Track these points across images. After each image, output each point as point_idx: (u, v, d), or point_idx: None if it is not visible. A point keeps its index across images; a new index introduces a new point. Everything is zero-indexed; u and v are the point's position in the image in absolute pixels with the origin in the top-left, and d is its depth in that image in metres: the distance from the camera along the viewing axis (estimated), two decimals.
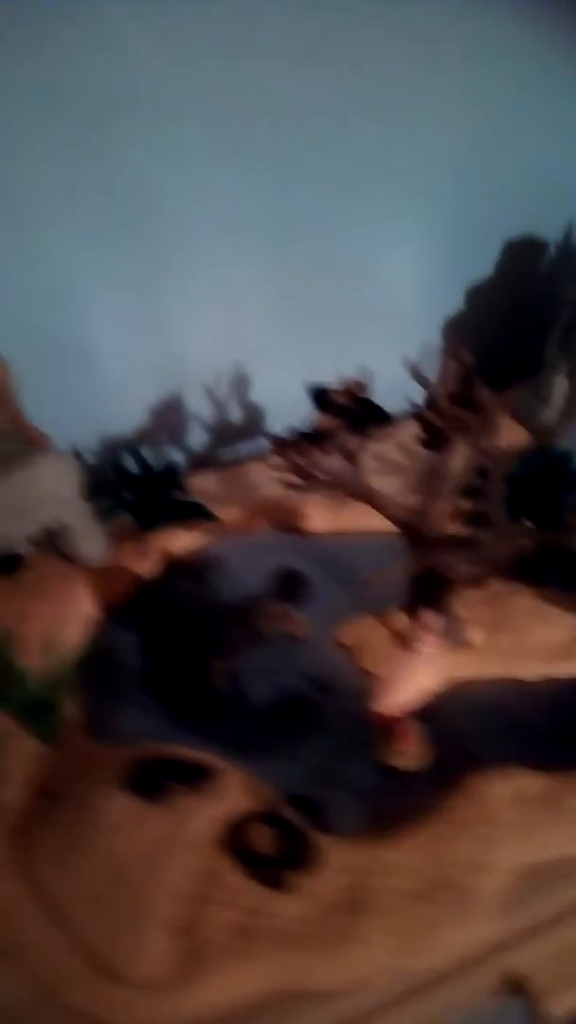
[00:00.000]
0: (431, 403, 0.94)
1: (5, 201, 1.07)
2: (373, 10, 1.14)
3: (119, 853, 0.68)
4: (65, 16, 0.99)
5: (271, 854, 0.71)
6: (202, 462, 1.38)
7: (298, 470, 0.91)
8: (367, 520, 1.14)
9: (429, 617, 0.78)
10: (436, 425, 0.93)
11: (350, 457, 0.90)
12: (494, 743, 0.86)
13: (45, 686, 0.80)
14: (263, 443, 1.41)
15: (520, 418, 1.33)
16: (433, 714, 0.88)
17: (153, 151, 1.11)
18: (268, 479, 1.27)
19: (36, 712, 0.80)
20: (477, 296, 1.48)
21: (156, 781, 0.71)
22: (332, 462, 0.88)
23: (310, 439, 0.92)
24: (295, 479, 0.91)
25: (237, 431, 1.41)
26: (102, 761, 0.79)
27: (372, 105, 1.22)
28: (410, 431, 0.93)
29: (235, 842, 0.71)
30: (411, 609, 0.96)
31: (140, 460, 1.12)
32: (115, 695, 0.93)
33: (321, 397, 0.94)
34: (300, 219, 1.26)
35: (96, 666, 0.93)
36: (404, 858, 0.73)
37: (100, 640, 0.98)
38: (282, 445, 0.91)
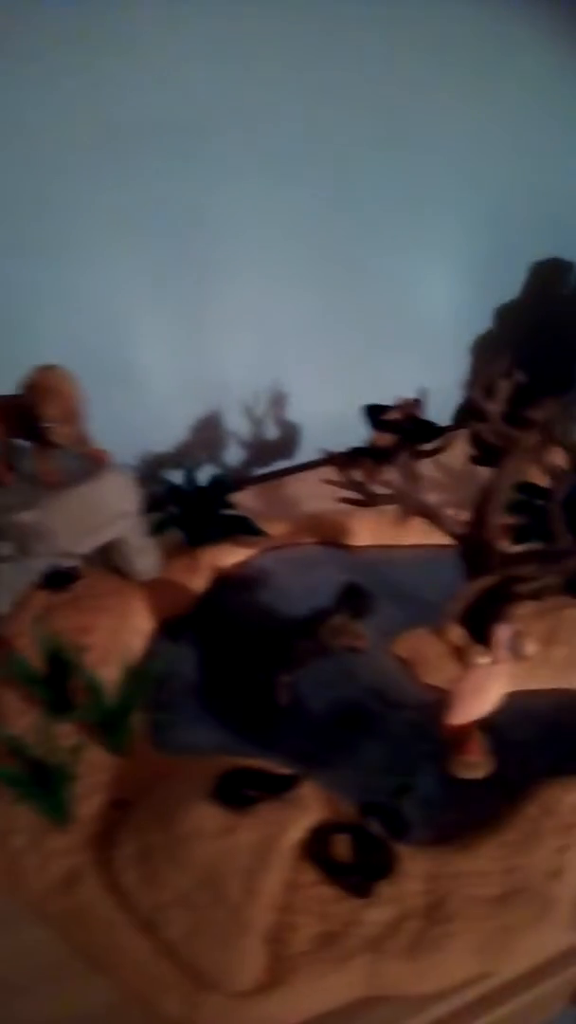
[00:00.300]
0: (484, 420, 0.96)
1: (52, 222, 1.09)
2: (415, 38, 1.17)
3: (210, 862, 0.69)
4: (117, 46, 1.02)
5: (352, 863, 0.72)
6: (241, 479, 1.40)
7: (356, 485, 0.93)
8: (410, 535, 1.17)
9: (501, 631, 0.80)
10: (488, 442, 0.95)
11: (407, 473, 0.92)
12: (554, 753, 0.88)
13: (118, 699, 0.81)
14: (299, 460, 1.43)
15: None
16: (493, 725, 0.89)
17: (199, 177, 1.14)
18: (308, 495, 1.30)
19: (110, 725, 0.81)
20: (507, 316, 1.51)
21: (241, 792, 0.72)
22: (390, 477, 0.90)
23: (367, 455, 0.93)
24: (353, 494, 0.93)
25: (274, 449, 1.43)
26: (179, 773, 0.80)
27: (410, 131, 1.25)
28: (462, 448, 0.95)
29: (318, 851, 0.72)
30: (469, 623, 0.98)
31: (189, 476, 1.14)
32: (176, 708, 0.94)
33: (377, 415, 0.96)
34: (338, 242, 1.30)
35: (156, 680, 0.94)
36: (480, 866, 0.74)
37: (158, 654, 0.99)
38: (340, 461, 0.93)
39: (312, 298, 1.33)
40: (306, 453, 1.45)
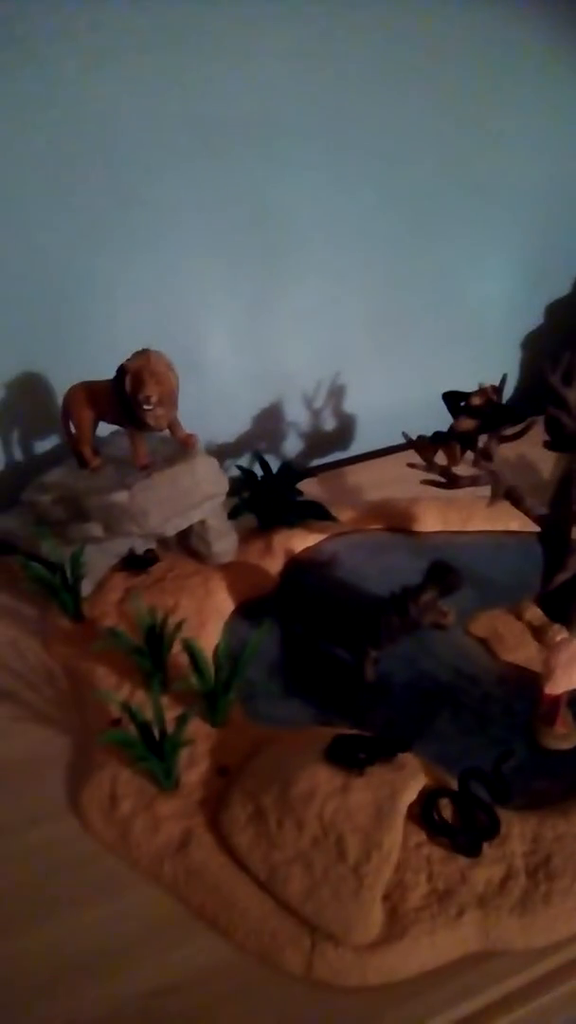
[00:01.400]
0: (561, 406, 0.99)
1: (137, 216, 1.12)
2: (484, 33, 1.20)
3: (328, 821, 0.71)
4: (199, 43, 1.05)
5: (459, 825, 0.75)
6: (303, 469, 1.42)
7: (440, 469, 0.96)
8: (475, 522, 1.20)
9: None
10: (564, 427, 0.98)
11: (490, 457, 0.95)
12: None
13: (219, 673, 0.84)
14: (355, 451, 1.46)
15: None
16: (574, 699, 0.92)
17: (272, 173, 1.17)
18: (371, 483, 1.33)
19: (211, 696, 0.84)
20: (559, 313, 1.54)
21: (355, 755, 0.74)
22: (481, 460, 0.93)
23: (451, 440, 0.96)
24: (436, 477, 0.96)
25: (333, 439, 1.45)
26: (282, 741, 0.83)
27: (470, 130, 1.28)
28: (538, 434, 0.97)
29: (427, 814, 0.75)
30: (546, 603, 1.01)
31: (262, 463, 1.17)
32: (266, 684, 0.97)
33: (456, 401, 0.98)
34: (398, 238, 1.33)
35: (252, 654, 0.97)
36: None
37: (243, 633, 1.02)
38: (423, 445, 0.96)
39: (373, 293, 1.36)
40: (362, 444, 1.48)
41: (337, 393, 1.42)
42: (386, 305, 1.38)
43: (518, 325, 1.55)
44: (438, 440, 0.97)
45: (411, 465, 0.96)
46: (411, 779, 0.74)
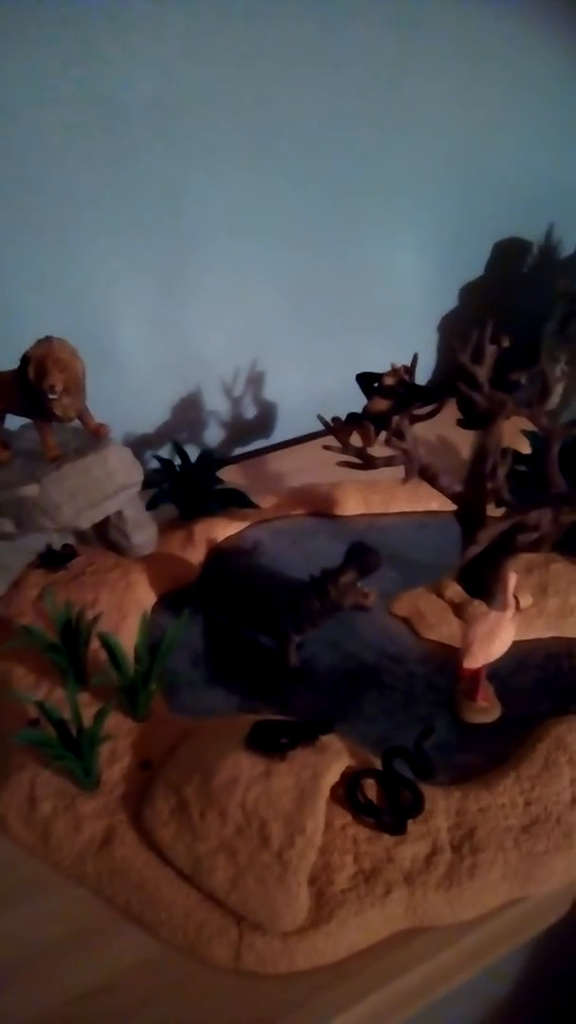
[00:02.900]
0: (472, 384, 1.00)
1: (38, 202, 1.09)
2: (380, 24, 1.20)
3: (251, 808, 0.70)
4: (104, 25, 1.02)
5: (383, 804, 0.75)
6: (223, 458, 1.41)
7: (356, 450, 0.96)
8: (397, 503, 1.21)
9: (511, 578, 0.83)
10: (476, 405, 0.99)
11: (403, 436, 0.95)
12: (557, 695, 0.92)
13: (138, 665, 0.82)
14: (277, 439, 1.45)
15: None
16: (498, 674, 0.93)
17: (179, 154, 1.15)
18: (292, 470, 1.32)
19: (131, 690, 0.82)
20: (472, 295, 1.56)
21: (275, 740, 0.73)
22: (394, 440, 0.93)
23: (365, 421, 0.96)
24: (352, 459, 0.96)
25: (253, 428, 1.44)
26: (204, 731, 0.81)
27: (381, 114, 1.28)
28: (451, 412, 0.98)
29: (350, 795, 0.74)
30: (465, 579, 1.02)
31: (180, 452, 1.15)
32: (188, 674, 0.95)
33: (370, 382, 0.98)
34: (312, 223, 1.32)
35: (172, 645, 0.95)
36: (502, 800, 0.77)
37: (166, 624, 1.00)
38: (339, 428, 0.96)
39: (288, 278, 1.35)
40: (283, 432, 1.48)
41: (256, 380, 1.41)
42: (302, 290, 1.37)
43: (434, 308, 1.56)
44: (353, 421, 0.96)
45: (327, 447, 0.96)
46: (334, 761, 0.74)
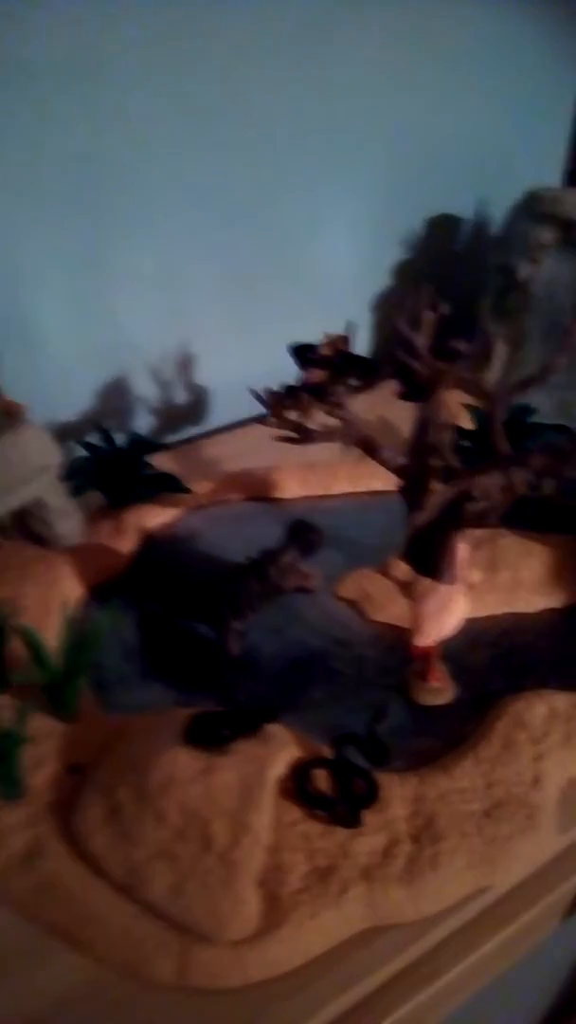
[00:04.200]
0: (413, 355, 0.95)
1: None
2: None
3: (191, 808, 0.64)
4: None
5: (335, 795, 0.69)
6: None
7: (293, 425, 0.90)
8: (338, 484, 1.16)
9: (462, 549, 0.79)
10: (416, 375, 0.95)
11: (341, 405, 0.90)
12: (511, 672, 0.88)
13: (63, 663, 0.75)
14: (210, 426, 1.39)
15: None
16: (450, 653, 0.88)
17: (98, 122, 1.08)
18: (228, 455, 1.26)
19: (55, 689, 0.75)
20: (406, 271, 1.52)
21: (215, 733, 0.67)
22: (332, 409, 0.88)
23: (301, 392, 0.90)
24: (290, 434, 0.90)
25: (185, 413, 1.38)
26: (138, 729, 0.75)
27: (311, 89, 1.24)
28: (390, 385, 0.93)
29: (299, 788, 0.68)
30: (412, 557, 0.97)
31: (107, 437, 1.08)
32: (121, 670, 0.88)
33: (305, 353, 0.93)
34: (243, 198, 1.27)
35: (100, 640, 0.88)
36: (462, 784, 0.73)
37: (95, 618, 0.93)
38: (274, 400, 0.90)
39: (218, 255, 1.29)
40: (218, 418, 1.41)
41: (187, 364, 1.35)
42: (233, 268, 1.31)
43: (368, 286, 1.52)
44: (288, 394, 0.91)
45: (260, 422, 0.90)
46: (279, 751, 0.68)
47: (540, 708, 0.80)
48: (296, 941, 0.62)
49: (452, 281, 1.52)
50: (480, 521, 0.88)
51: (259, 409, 1.22)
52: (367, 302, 1.53)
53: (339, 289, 1.45)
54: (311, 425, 0.91)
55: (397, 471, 0.92)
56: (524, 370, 1.29)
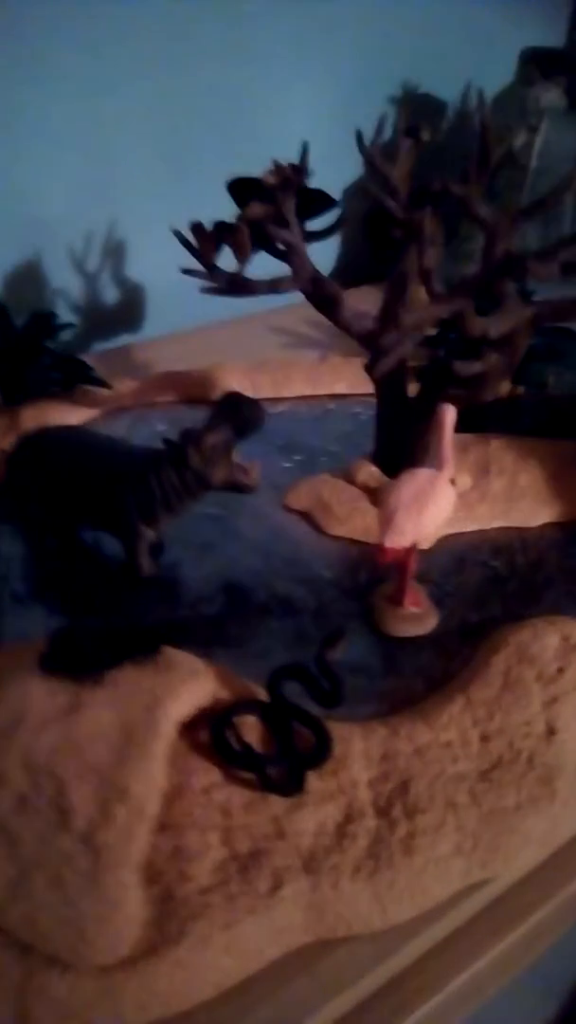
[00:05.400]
0: (388, 192, 0.74)
1: None
2: None
3: (46, 763, 0.42)
4: None
5: (272, 752, 0.48)
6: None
7: (227, 276, 0.68)
8: (294, 386, 0.95)
9: (447, 412, 0.57)
10: (390, 215, 0.73)
11: (286, 223, 0.68)
12: (509, 597, 0.67)
13: None
14: (147, 333, 1.17)
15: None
16: (433, 577, 0.68)
17: None
18: (166, 359, 1.04)
19: None
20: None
21: (88, 656, 0.45)
22: (277, 239, 0.66)
23: (239, 225, 0.68)
24: (215, 283, 0.68)
25: (114, 316, 1.15)
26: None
27: None
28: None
29: (217, 742, 0.47)
30: (384, 458, 0.76)
31: (2, 311, 0.85)
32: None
33: (246, 190, 0.71)
34: (187, 48, 1.04)
35: None
36: (448, 735, 0.52)
37: None
38: (203, 239, 0.68)
39: (149, 116, 1.06)
40: (155, 326, 1.19)
41: (116, 252, 1.12)
42: (168, 135, 1.08)
43: (333, 178, 1.29)
44: (222, 232, 0.69)
45: (187, 271, 0.68)
46: (183, 685, 0.46)
47: (552, 638, 0.59)
48: (200, 965, 0.41)
49: (433, 172, 1.31)
50: (474, 392, 0.67)
51: (207, 315, 1.00)
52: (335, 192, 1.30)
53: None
54: (251, 277, 0.69)
55: (363, 338, 0.71)
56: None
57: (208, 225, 0.68)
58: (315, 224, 0.73)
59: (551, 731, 0.53)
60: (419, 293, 0.69)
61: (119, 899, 0.40)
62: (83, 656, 0.46)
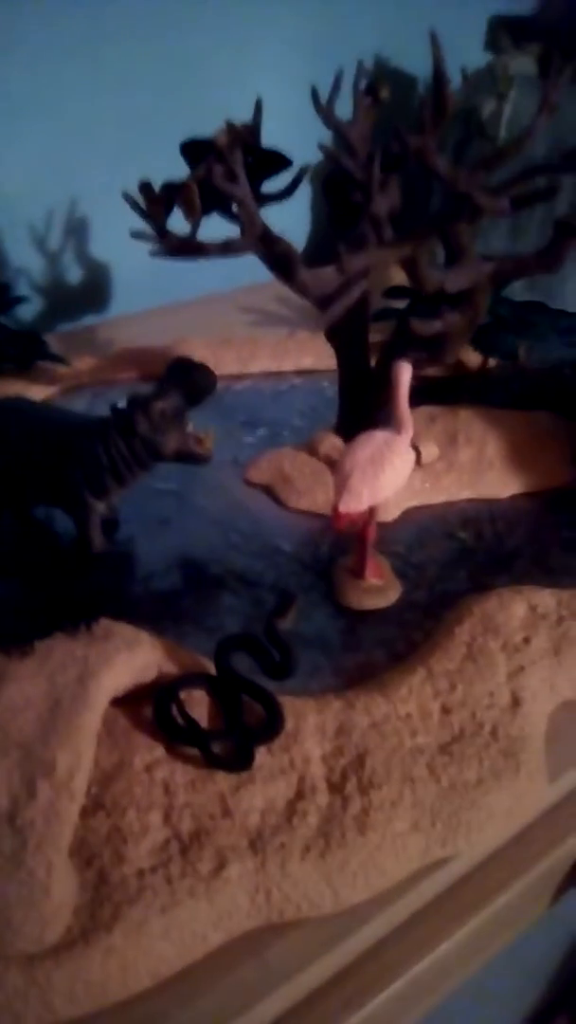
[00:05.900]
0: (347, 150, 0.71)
1: None
2: None
3: None
4: None
5: (216, 727, 0.45)
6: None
7: (177, 239, 0.65)
8: (256, 361, 0.92)
9: (402, 369, 0.54)
10: (350, 176, 0.71)
11: (235, 177, 0.65)
12: (475, 568, 0.65)
13: None
14: (112, 312, 1.14)
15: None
16: (396, 549, 0.65)
17: None
18: (125, 337, 1.01)
19: None
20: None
21: (16, 625, 0.42)
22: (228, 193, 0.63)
23: (187, 184, 0.65)
24: (161, 245, 0.65)
25: (78, 296, 1.11)
26: None
27: None
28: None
29: (161, 712, 0.44)
30: (348, 428, 0.73)
31: None
32: None
33: (200, 151, 0.68)
34: (150, 15, 1.01)
35: None
36: (407, 708, 0.50)
37: None
38: (150, 199, 0.65)
39: (109, 84, 1.03)
40: (121, 305, 1.15)
41: (79, 229, 1.08)
42: (132, 107, 1.05)
43: (299, 145, 1.26)
44: (170, 192, 0.66)
45: (136, 235, 0.65)
46: (118, 655, 0.43)
47: (518, 607, 0.57)
48: (135, 952, 0.38)
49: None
50: (434, 353, 0.64)
51: (174, 295, 0.97)
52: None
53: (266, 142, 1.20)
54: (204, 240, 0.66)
55: (320, 303, 0.68)
56: (493, 230, 1.06)
57: (157, 187, 0.65)
58: (273, 186, 0.70)
59: (516, 702, 0.50)
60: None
61: (46, 883, 0.37)
62: (16, 628, 0.43)
